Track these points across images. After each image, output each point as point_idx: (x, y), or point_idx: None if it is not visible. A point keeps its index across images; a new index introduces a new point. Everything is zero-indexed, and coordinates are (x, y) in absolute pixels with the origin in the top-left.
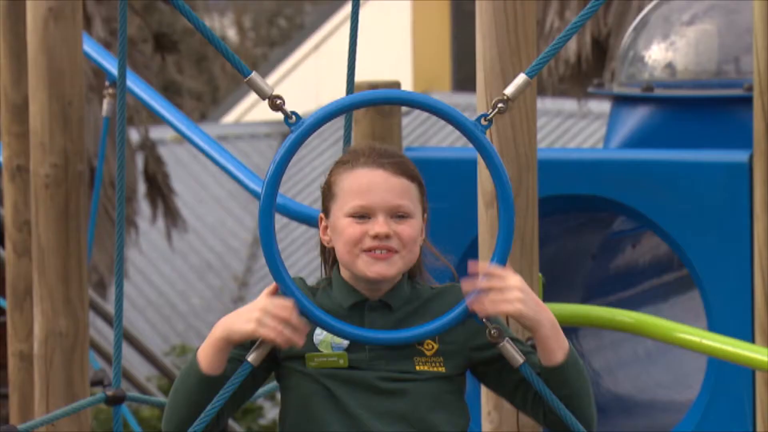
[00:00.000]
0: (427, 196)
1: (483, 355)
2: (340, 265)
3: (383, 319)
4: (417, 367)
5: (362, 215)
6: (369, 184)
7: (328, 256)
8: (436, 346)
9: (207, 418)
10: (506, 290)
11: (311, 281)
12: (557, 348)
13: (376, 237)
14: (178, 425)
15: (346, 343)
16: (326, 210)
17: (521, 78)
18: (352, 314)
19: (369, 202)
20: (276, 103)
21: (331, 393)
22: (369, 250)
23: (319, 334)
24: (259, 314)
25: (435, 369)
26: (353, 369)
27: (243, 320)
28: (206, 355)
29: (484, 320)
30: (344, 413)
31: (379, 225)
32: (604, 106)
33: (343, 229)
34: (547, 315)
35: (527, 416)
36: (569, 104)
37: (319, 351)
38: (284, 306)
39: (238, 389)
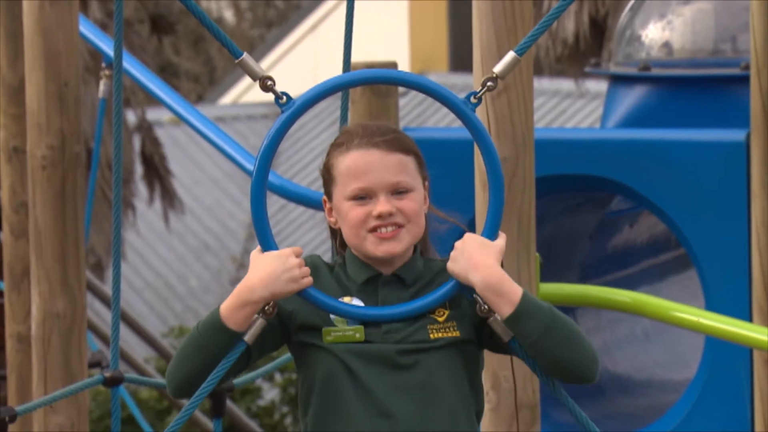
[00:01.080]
0: (424, 163)
1: (484, 323)
2: (349, 246)
3: (397, 293)
4: (431, 335)
5: (363, 197)
6: (365, 165)
7: (338, 236)
8: (447, 312)
9: (205, 393)
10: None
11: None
12: (499, 305)
13: (379, 216)
14: (189, 374)
15: None
16: (328, 193)
17: (510, 55)
18: (366, 289)
19: (368, 184)
20: (267, 84)
21: (349, 369)
22: (374, 229)
23: None
24: (296, 272)
25: (449, 334)
26: (369, 343)
27: (284, 283)
28: (238, 319)
29: (474, 295)
30: (362, 389)
31: (381, 204)
32: (601, 86)
33: (347, 213)
34: (480, 274)
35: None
36: (566, 84)
37: (334, 325)
38: (297, 251)
39: (257, 348)
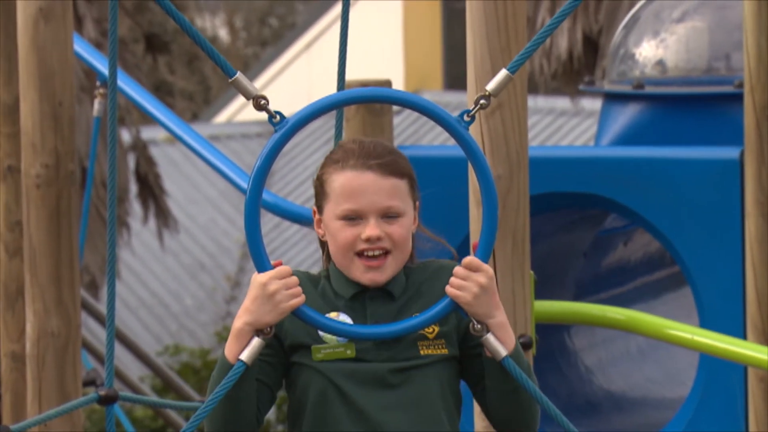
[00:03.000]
0: (417, 184)
1: (466, 340)
2: (335, 264)
3: (385, 307)
4: (422, 351)
5: (353, 217)
6: (359, 187)
7: (326, 248)
8: (437, 329)
9: (202, 415)
10: (469, 281)
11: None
12: (504, 341)
13: (368, 240)
14: (223, 424)
15: None
16: (319, 206)
17: (503, 74)
18: (353, 304)
19: (359, 206)
20: (260, 103)
21: (341, 390)
22: (361, 253)
23: None
24: (277, 297)
25: (438, 351)
26: (360, 361)
27: (265, 312)
28: (234, 349)
29: (469, 315)
30: (354, 410)
31: (370, 228)
32: (596, 104)
33: (336, 233)
34: (498, 313)
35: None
36: (561, 102)
37: (324, 342)
38: (282, 272)
39: (271, 378)
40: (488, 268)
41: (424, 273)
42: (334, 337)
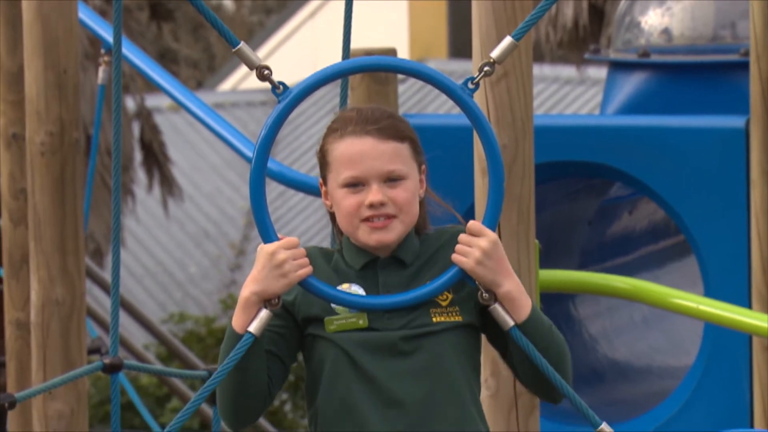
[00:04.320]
0: (421, 147)
1: (485, 308)
2: (344, 233)
3: (397, 275)
4: (434, 319)
5: (356, 184)
6: (359, 153)
7: (335, 220)
8: (450, 296)
9: (211, 386)
10: (471, 246)
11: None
12: (516, 310)
13: (371, 206)
14: (244, 403)
15: None
16: (324, 177)
17: (507, 41)
18: (365, 274)
19: (360, 172)
20: (263, 73)
21: (353, 360)
22: (367, 219)
23: None
24: (285, 267)
25: (452, 319)
26: (373, 330)
27: (273, 281)
28: (242, 319)
29: (477, 283)
30: (367, 380)
31: (373, 194)
32: (601, 72)
33: (340, 201)
34: (506, 281)
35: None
36: (567, 70)
37: (337, 314)
38: (290, 242)
39: (282, 350)
40: (491, 232)
41: (439, 240)
42: (347, 308)
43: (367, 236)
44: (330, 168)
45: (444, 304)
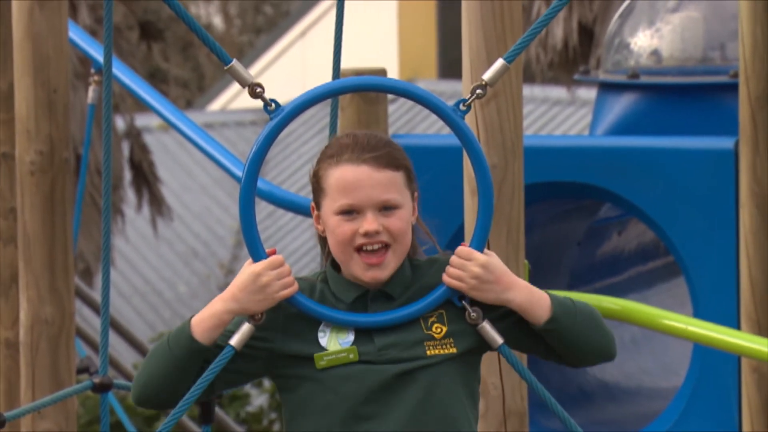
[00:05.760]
0: (414, 175)
1: (491, 315)
2: (336, 260)
3: (387, 307)
4: (428, 352)
5: (351, 212)
6: (354, 181)
7: (326, 244)
8: (444, 328)
9: (188, 404)
10: (465, 271)
11: (303, 271)
12: (535, 315)
13: (366, 234)
14: (156, 390)
15: (352, 337)
16: (317, 202)
17: (499, 63)
18: (356, 307)
19: (356, 201)
20: (255, 91)
21: (343, 396)
22: (360, 248)
23: (324, 334)
24: (268, 289)
25: (446, 351)
26: (365, 363)
27: (254, 302)
28: (204, 328)
29: (463, 302)
30: (358, 414)
31: (368, 222)
32: (591, 93)
33: (334, 228)
34: (514, 292)
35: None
36: (557, 91)
37: (326, 350)
38: (275, 262)
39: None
40: (480, 255)
41: (429, 270)
42: (336, 344)
43: (361, 272)
44: (324, 194)
45: (438, 336)
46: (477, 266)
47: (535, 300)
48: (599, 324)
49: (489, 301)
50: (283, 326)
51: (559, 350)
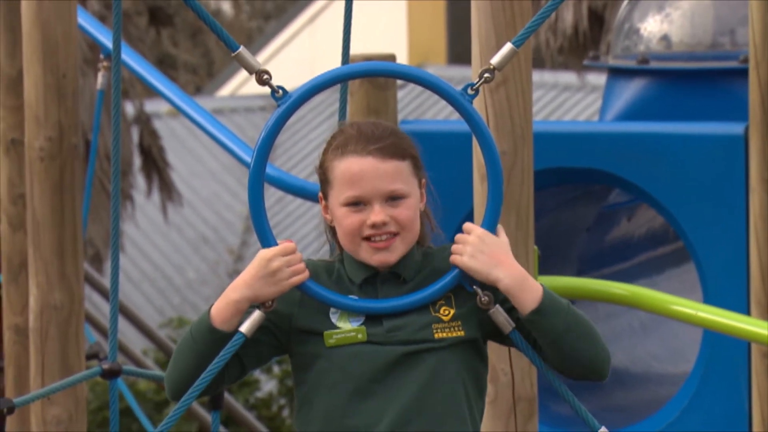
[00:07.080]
0: (422, 164)
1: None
2: (346, 250)
3: (397, 290)
4: (436, 335)
5: (357, 203)
6: (360, 173)
7: (335, 233)
8: (452, 311)
9: (201, 386)
10: (462, 244)
11: (310, 254)
12: (523, 300)
13: (373, 226)
14: (182, 375)
15: (362, 317)
16: (324, 193)
17: (507, 47)
18: (366, 288)
19: (362, 192)
20: (263, 77)
21: (350, 375)
22: (369, 238)
23: (335, 312)
24: (279, 275)
25: (454, 334)
26: (373, 344)
27: (266, 288)
28: (224, 316)
29: (474, 287)
30: (364, 393)
31: (375, 214)
32: (601, 79)
33: (342, 219)
34: (505, 271)
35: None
36: (566, 77)
37: (337, 327)
38: (286, 249)
39: (246, 352)
40: (479, 228)
41: (440, 255)
42: (347, 322)
43: (369, 256)
44: (331, 186)
45: (446, 319)
46: (474, 236)
47: (525, 287)
48: (593, 338)
49: (480, 275)
50: (300, 301)
51: (545, 350)
